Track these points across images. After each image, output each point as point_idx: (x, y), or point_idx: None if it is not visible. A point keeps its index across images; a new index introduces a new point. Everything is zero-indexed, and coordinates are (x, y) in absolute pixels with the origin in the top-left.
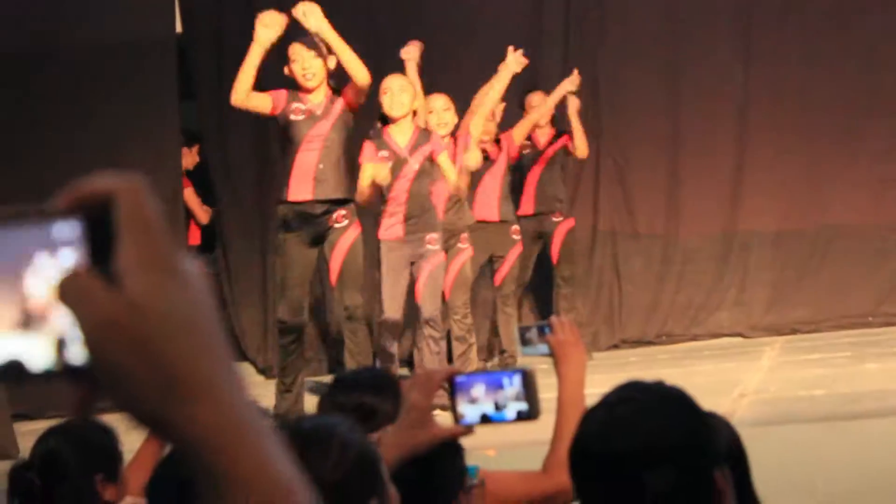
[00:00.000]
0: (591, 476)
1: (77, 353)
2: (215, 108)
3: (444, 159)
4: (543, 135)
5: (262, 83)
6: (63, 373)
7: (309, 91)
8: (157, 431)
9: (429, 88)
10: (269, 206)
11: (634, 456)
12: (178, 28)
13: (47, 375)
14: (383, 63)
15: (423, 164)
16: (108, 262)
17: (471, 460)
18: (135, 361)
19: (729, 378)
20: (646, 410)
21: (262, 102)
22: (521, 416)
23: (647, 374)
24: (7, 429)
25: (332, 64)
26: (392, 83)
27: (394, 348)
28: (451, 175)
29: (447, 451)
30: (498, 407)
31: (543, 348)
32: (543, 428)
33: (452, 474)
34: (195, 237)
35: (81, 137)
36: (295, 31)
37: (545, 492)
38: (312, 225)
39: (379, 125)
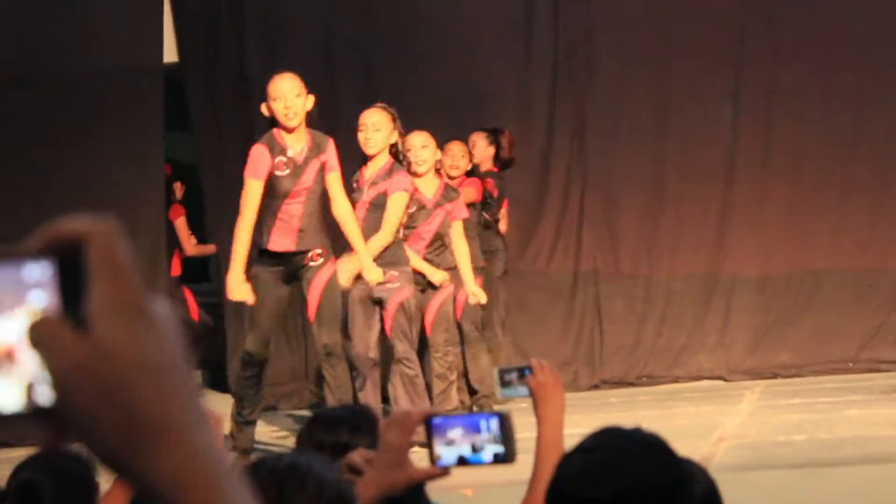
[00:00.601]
0: None
1: (45, 394)
2: (211, 137)
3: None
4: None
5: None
6: (32, 414)
7: (289, 131)
8: (123, 475)
9: (414, 122)
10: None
11: (610, 502)
12: (175, 57)
13: (16, 417)
14: (377, 90)
15: (376, 198)
16: (78, 304)
17: (448, 499)
18: (101, 406)
19: (709, 421)
20: (623, 457)
21: (258, 192)
22: (498, 459)
23: (628, 415)
24: None
25: (309, 104)
26: (368, 119)
27: (365, 384)
28: (389, 221)
29: (412, 489)
30: (475, 449)
31: (523, 390)
32: (521, 469)
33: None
34: (177, 268)
35: (66, 163)
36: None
37: None
38: (287, 264)
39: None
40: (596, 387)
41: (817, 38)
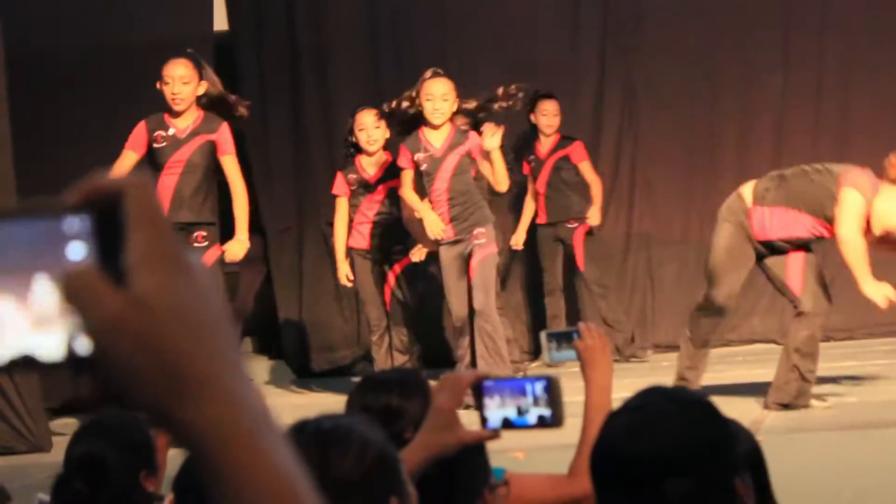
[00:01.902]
0: (612, 480)
1: (84, 345)
2: (257, 105)
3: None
4: (546, 144)
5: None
6: (71, 365)
7: (176, 115)
8: (163, 427)
9: (464, 93)
10: (308, 202)
11: (655, 462)
12: (224, 25)
13: (57, 366)
14: (423, 62)
15: (461, 161)
16: (117, 257)
17: (499, 462)
18: (140, 359)
19: (761, 385)
20: (668, 416)
21: (129, 162)
22: (544, 423)
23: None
24: (42, 423)
25: (201, 90)
26: (436, 89)
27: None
28: None
29: (471, 450)
30: (521, 412)
31: (571, 354)
32: (570, 432)
33: (477, 473)
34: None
35: (123, 134)
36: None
37: (569, 496)
38: None
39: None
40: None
41: (862, 5)
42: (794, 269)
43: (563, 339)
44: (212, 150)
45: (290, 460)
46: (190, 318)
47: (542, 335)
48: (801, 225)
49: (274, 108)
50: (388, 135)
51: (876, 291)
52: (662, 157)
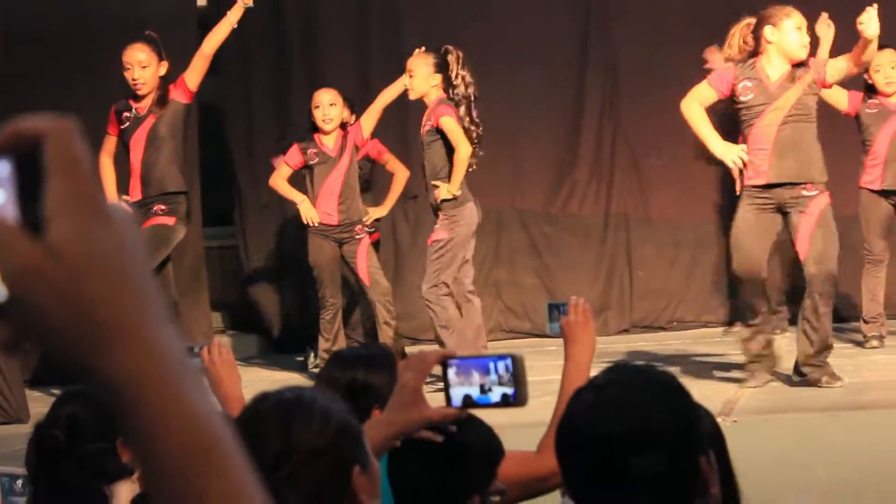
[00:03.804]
0: (577, 458)
1: (1, 292)
2: (238, 82)
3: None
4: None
5: None
6: None
7: (136, 98)
8: (82, 375)
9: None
10: (290, 179)
11: (621, 440)
12: (202, 1)
13: None
14: (409, 46)
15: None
16: (36, 202)
17: None
18: (57, 308)
19: (736, 365)
20: (634, 394)
21: (111, 145)
22: (507, 401)
23: (656, 360)
24: (20, 394)
25: (163, 70)
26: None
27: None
28: None
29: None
30: (484, 390)
31: (558, 328)
32: (545, 410)
33: (480, 477)
34: None
35: (103, 112)
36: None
37: (537, 473)
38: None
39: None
40: (626, 331)
41: None
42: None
43: (558, 311)
44: (176, 114)
45: (210, 410)
46: (109, 267)
47: (546, 305)
48: None
49: (256, 85)
50: (346, 114)
51: (725, 152)
52: (643, 136)
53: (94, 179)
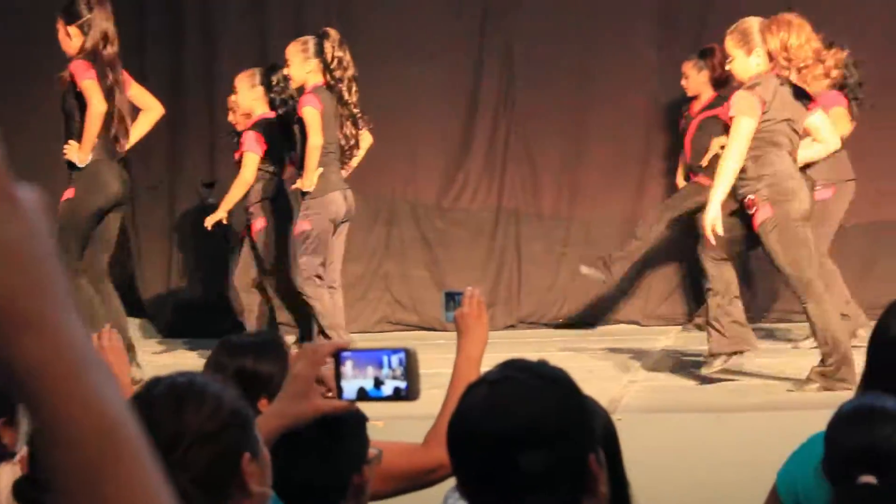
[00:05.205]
0: (468, 453)
1: None
2: (134, 69)
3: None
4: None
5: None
6: None
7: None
8: None
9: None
10: (183, 159)
11: (512, 437)
12: None
13: None
14: (304, 25)
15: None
16: None
17: None
18: None
19: (621, 364)
20: (526, 391)
21: None
22: (399, 395)
23: (542, 355)
24: None
25: (76, 42)
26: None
27: None
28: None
29: (354, 423)
30: (377, 383)
31: (452, 317)
32: (432, 402)
33: (357, 446)
34: None
35: (30, 93)
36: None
37: (423, 465)
38: None
39: None
40: (512, 326)
41: None
42: None
43: (457, 301)
44: (74, 94)
45: (115, 397)
46: (15, 253)
47: (442, 294)
48: None
49: (152, 74)
50: (252, 100)
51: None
52: (536, 131)
53: (3, 166)
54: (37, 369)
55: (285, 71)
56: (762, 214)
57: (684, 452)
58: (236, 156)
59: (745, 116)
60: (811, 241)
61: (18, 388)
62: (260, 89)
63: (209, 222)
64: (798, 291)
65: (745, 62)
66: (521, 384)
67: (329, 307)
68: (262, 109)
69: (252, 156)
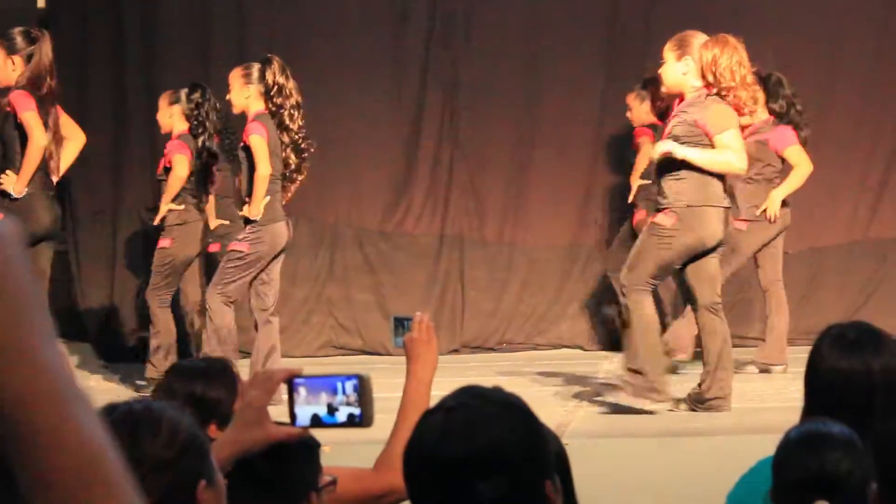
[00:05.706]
0: (424, 480)
1: None
2: (75, 89)
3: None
4: None
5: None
6: None
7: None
8: None
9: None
10: (123, 186)
11: (468, 463)
12: (41, 2)
13: None
14: (246, 50)
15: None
16: None
17: None
18: None
19: (566, 389)
20: (483, 418)
21: None
22: (353, 421)
23: (487, 380)
24: None
25: (17, 69)
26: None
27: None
28: None
29: (305, 449)
30: (331, 410)
31: (401, 342)
32: (382, 428)
33: (308, 473)
34: None
35: None
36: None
37: (374, 490)
38: None
39: None
40: (456, 351)
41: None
42: None
43: (406, 327)
44: (15, 124)
45: (97, 429)
46: (2, 289)
47: (391, 319)
48: None
49: (94, 93)
50: (172, 119)
51: None
52: (481, 157)
53: None
54: (17, 399)
55: (228, 96)
56: (664, 220)
57: (631, 478)
58: (165, 164)
59: (730, 129)
60: (672, 268)
61: (2, 418)
62: (177, 108)
63: (157, 219)
64: (625, 283)
65: (672, 67)
66: (478, 410)
67: (228, 326)
68: (180, 127)
69: (179, 156)
